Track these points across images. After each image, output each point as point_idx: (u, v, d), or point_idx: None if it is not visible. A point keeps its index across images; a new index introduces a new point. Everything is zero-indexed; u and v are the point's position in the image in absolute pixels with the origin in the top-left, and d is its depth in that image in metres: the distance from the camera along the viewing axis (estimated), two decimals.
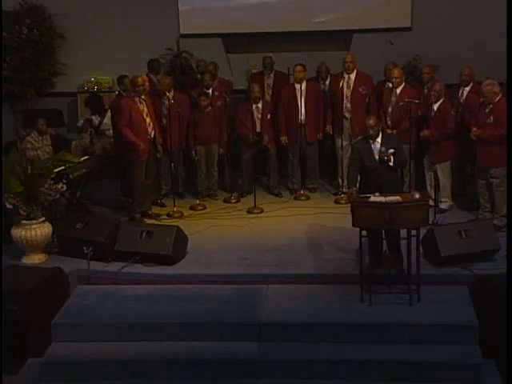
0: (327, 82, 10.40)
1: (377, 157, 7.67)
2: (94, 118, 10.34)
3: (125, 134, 8.95)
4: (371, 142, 7.73)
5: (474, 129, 8.54)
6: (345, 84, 9.82)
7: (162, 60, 11.19)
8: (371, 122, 7.74)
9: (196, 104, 10.00)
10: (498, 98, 8.46)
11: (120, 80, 10.01)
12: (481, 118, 8.56)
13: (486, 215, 8.73)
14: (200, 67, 10.81)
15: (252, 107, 9.99)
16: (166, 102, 9.65)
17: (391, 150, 7.64)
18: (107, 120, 10.07)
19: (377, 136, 7.72)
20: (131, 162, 9.05)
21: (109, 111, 10.12)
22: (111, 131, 9.86)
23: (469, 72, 9.34)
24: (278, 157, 10.27)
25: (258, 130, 10.02)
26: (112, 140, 9.92)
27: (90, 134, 10.25)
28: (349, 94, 9.87)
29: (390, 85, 9.67)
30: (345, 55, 10.04)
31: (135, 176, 9.11)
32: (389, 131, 9.08)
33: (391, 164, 7.62)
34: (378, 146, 7.69)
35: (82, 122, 10.56)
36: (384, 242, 7.68)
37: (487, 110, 8.50)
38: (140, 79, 9.15)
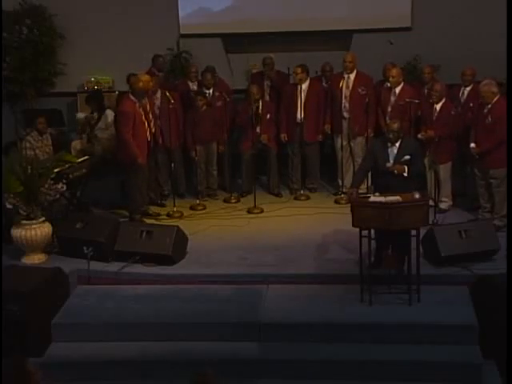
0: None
1: (391, 160, 7.65)
2: (92, 115, 10.32)
3: (127, 144, 8.93)
4: (389, 145, 7.71)
5: (473, 145, 8.56)
6: (344, 84, 9.81)
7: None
8: (395, 126, 7.68)
9: (193, 104, 10.00)
10: (496, 98, 8.45)
11: (129, 78, 9.99)
12: (480, 119, 8.56)
13: (486, 215, 8.74)
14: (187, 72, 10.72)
15: (251, 107, 9.97)
16: (157, 103, 9.67)
17: (407, 157, 7.61)
18: (107, 119, 10.05)
19: (396, 140, 7.69)
20: (131, 167, 9.04)
21: (107, 110, 10.11)
22: (106, 133, 9.91)
23: (471, 72, 9.34)
24: (278, 157, 10.27)
25: (258, 130, 10.03)
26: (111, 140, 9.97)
27: (87, 133, 10.25)
28: (348, 94, 9.85)
29: (389, 84, 9.67)
30: (344, 55, 10.03)
31: (134, 181, 9.10)
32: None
33: (405, 174, 7.60)
34: (395, 150, 7.67)
35: (82, 116, 10.43)
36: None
37: (485, 111, 8.50)
38: (141, 84, 9.12)
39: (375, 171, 7.86)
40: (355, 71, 9.86)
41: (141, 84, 9.13)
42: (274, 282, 7.78)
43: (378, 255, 7.64)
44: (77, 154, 9.75)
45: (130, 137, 8.90)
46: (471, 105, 9.14)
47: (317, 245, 8.52)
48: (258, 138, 9.98)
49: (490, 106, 8.46)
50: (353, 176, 8.87)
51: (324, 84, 10.41)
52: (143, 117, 9.08)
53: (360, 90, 9.81)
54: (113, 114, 10.00)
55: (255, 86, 10.08)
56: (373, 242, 7.42)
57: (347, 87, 9.84)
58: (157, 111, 9.73)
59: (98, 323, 7.31)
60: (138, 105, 9.02)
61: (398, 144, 7.69)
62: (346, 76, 9.83)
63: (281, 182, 10.44)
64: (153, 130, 9.33)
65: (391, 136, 7.67)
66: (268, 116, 10.07)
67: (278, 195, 10.22)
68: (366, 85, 9.86)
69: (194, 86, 10.42)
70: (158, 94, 9.80)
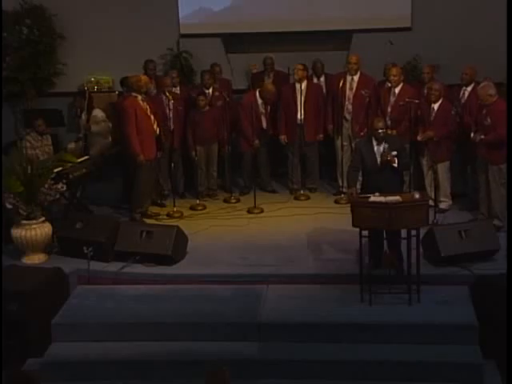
0: (322, 79, 10.41)
1: (379, 158, 7.66)
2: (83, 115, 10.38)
3: (130, 140, 8.93)
4: (375, 143, 7.71)
5: (472, 134, 8.56)
6: (347, 85, 9.78)
7: (162, 60, 11.20)
8: (380, 124, 7.71)
9: (194, 104, 10.00)
10: (494, 99, 8.43)
11: (123, 81, 10.04)
12: (479, 120, 8.56)
13: (485, 212, 8.72)
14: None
15: (257, 100, 9.99)
16: (167, 102, 9.68)
17: (394, 153, 7.62)
18: (96, 118, 10.11)
19: (383, 139, 7.70)
20: (134, 164, 9.03)
21: (96, 110, 10.17)
22: (98, 127, 10.02)
23: (469, 72, 9.31)
24: (269, 155, 10.33)
25: (264, 126, 10.10)
26: (109, 142, 10.01)
27: (83, 134, 10.32)
28: (351, 95, 9.82)
29: (389, 84, 9.66)
30: (346, 55, 10.02)
31: (140, 177, 9.08)
32: (389, 131, 9.06)
33: (395, 165, 7.61)
34: (382, 148, 7.67)
35: (73, 146, 10.50)
36: (384, 242, 7.69)
37: (484, 112, 8.49)
38: (144, 78, 9.22)
39: (363, 171, 7.86)
40: (359, 73, 9.85)
41: (134, 78, 9.21)
42: (274, 282, 7.78)
43: (375, 255, 7.64)
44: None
45: (134, 132, 8.89)
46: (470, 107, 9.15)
47: (317, 245, 8.52)
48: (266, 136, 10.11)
49: (488, 107, 8.45)
50: (346, 177, 8.83)
51: (316, 81, 10.39)
52: (148, 111, 9.07)
53: (363, 93, 9.78)
54: (101, 112, 10.09)
55: (271, 84, 10.12)
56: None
57: (350, 89, 9.81)
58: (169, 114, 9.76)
59: (97, 323, 7.31)
60: (139, 98, 9.02)
61: (383, 142, 7.70)
62: (349, 77, 9.80)
63: (280, 181, 10.48)
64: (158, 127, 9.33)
65: (381, 135, 7.68)
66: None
67: (273, 192, 10.25)
68: (369, 86, 9.84)
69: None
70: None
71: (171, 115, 9.73)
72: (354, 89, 9.82)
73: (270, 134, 10.24)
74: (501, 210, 8.46)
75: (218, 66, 10.64)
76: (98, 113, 10.23)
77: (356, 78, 9.82)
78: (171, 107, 9.70)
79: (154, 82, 10.24)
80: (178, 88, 10.25)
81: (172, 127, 9.77)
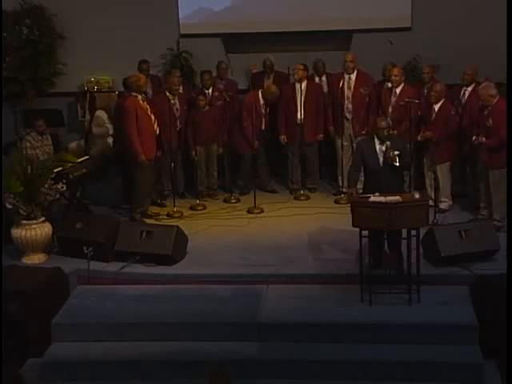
0: (324, 79, 10.42)
1: (381, 158, 7.65)
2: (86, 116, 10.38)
3: (131, 140, 8.92)
4: (377, 142, 7.71)
5: (474, 137, 8.55)
6: (345, 84, 9.80)
7: (162, 60, 11.20)
8: (384, 123, 7.72)
9: (194, 104, 10.00)
10: (495, 100, 8.43)
11: (125, 82, 10.06)
12: (481, 121, 8.55)
13: (486, 214, 8.72)
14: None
15: (259, 101, 9.97)
16: (177, 102, 9.73)
17: (396, 152, 7.62)
18: (98, 119, 10.12)
19: (386, 138, 7.68)
20: (135, 164, 9.03)
21: (99, 111, 10.18)
22: (100, 130, 10.05)
23: (471, 72, 9.28)
24: (268, 156, 10.33)
25: (263, 127, 10.08)
26: (111, 142, 10.00)
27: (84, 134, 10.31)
28: (350, 94, 9.84)
29: (390, 84, 9.67)
30: (344, 55, 10.03)
31: (141, 177, 9.08)
32: (390, 131, 9.04)
33: (396, 164, 7.60)
34: (384, 148, 7.66)
35: (74, 145, 10.51)
36: (384, 242, 7.69)
37: (486, 113, 8.48)
38: (143, 78, 9.26)
39: (364, 171, 7.86)
40: (356, 71, 9.86)
41: (133, 78, 9.23)
42: (274, 282, 7.78)
43: (375, 255, 7.64)
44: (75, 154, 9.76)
45: (135, 132, 8.89)
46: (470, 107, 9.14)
47: (317, 245, 8.52)
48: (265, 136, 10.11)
49: (490, 108, 8.44)
50: (347, 177, 8.83)
51: (317, 81, 10.40)
52: (148, 111, 9.07)
53: (362, 91, 9.80)
54: (104, 114, 10.09)
55: (274, 85, 10.09)
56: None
57: (349, 88, 9.83)
58: (177, 114, 9.79)
59: (98, 323, 7.31)
60: (140, 98, 9.02)
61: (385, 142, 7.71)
62: (346, 76, 9.83)
63: (280, 181, 10.48)
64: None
65: (385, 133, 7.67)
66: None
67: (273, 192, 10.25)
68: (368, 84, 9.86)
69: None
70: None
71: (178, 115, 9.75)
72: (353, 87, 9.84)
73: (269, 135, 10.25)
74: (502, 215, 8.47)
75: (224, 63, 10.65)
76: (102, 115, 10.20)
77: (353, 76, 9.85)
78: (178, 107, 9.74)
79: (149, 82, 10.25)
80: (181, 88, 10.27)
81: (179, 127, 9.80)
